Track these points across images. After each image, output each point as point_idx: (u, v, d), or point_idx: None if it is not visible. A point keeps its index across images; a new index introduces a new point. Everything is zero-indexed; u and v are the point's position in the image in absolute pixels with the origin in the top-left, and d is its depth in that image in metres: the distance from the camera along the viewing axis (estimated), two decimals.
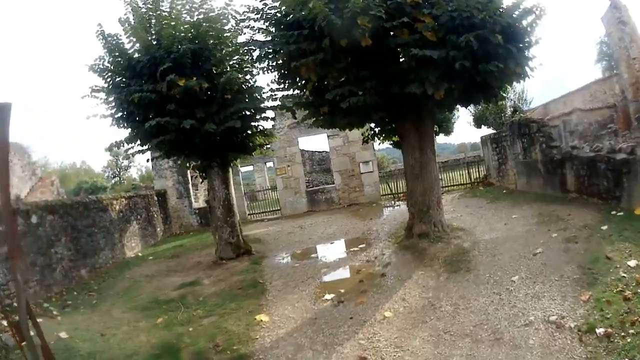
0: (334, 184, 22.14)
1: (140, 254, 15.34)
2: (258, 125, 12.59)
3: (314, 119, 10.72)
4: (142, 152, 11.69)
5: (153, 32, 10.27)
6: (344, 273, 9.42)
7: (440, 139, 45.31)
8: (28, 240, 9.65)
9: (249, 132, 12.41)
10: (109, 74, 10.53)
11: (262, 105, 11.64)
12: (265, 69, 9.98)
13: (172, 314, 7.88)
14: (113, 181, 51.79)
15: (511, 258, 7.79)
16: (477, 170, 22.58)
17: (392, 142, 12.63)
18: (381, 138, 12.82)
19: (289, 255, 12.09)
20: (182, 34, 10.38)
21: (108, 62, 10.48)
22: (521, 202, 13.00)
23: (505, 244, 8.73)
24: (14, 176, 22.64)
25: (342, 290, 7.98)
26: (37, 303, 8.69)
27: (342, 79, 8.77)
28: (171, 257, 13.83)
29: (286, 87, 10.37)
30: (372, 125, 12.56)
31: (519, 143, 15.18)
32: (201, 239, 16.41)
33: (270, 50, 9.25)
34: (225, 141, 11.59)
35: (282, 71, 9.74)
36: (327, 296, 7.74)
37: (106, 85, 10.57)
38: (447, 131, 28.95)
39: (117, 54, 10.34)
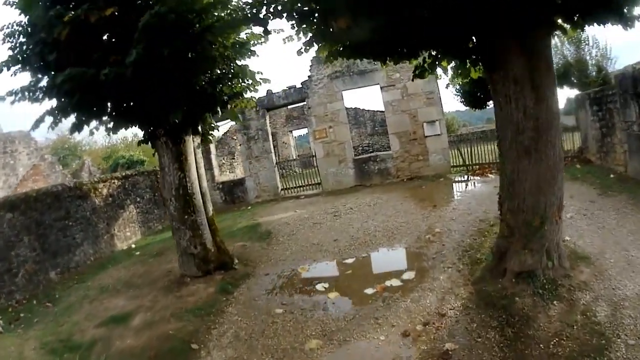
0: (389, 150, 17.01)
1: (133, 246, 13.11)
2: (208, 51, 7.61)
3: (323, 44, 5.94)
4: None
5: None
6: None
7: None
8: None
9: (201, 73, 7.82)
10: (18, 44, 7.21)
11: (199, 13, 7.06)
12: None
13: None
14: None
15: None
16: (570, 140, 16.40)
17: (464, 85, 6.99)
18: (449, 67, 7.06)
19: (285, 278, 7.80)
20: None
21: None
22: None
23: None
24: (19, 165, 21.98)
25: None
26: None
27: None
28: (154, 255, 10.96)
29: None
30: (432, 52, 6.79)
31: (633, 106, 9.99)
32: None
33: None
34: (163, 94, 7.21)
35: None
36: None
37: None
38: None
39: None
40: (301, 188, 18.42)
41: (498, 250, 5.60)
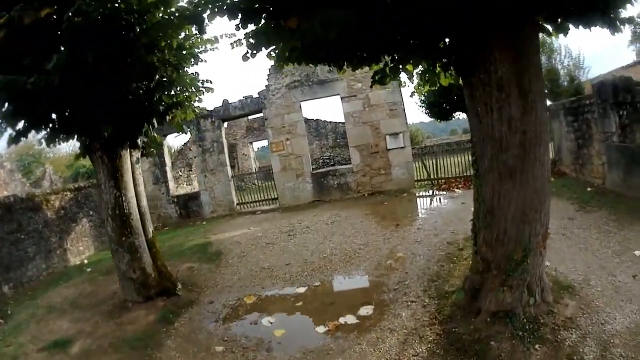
0: (350, 163, 16.26)
1: (86, 261, 12.44)
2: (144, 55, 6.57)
3: (272, 47, 4.99)
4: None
5: None
6: None
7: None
8: None
9: (137, 81, 6.96)
10: None
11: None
12: None
13: None
14: None
15: None
16: None
17: (429, 96, 6.25)
18: (415, 73, 6.29)
19: (230, 308, 7.12)
20: None
21: None
22: (625, 214, 7.90)
23: None
24: None
25: None
26: None
27: None
28: (104, 273, 10.20)
29: None
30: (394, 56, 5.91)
31: (613, 117, 9.65)
32: (162, 241, 11.63)
33: None
34: (93, 104, 6.43)
35: None
36: None
37: None
38: None
39: None
40: (258, 203, 17.59)
41: (471, 286, 4.81)
